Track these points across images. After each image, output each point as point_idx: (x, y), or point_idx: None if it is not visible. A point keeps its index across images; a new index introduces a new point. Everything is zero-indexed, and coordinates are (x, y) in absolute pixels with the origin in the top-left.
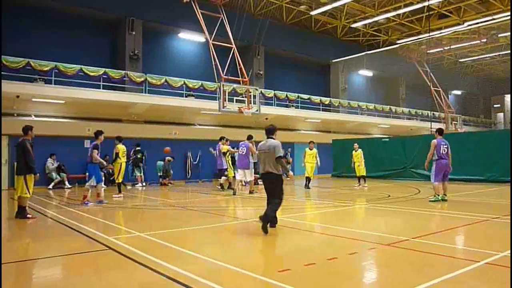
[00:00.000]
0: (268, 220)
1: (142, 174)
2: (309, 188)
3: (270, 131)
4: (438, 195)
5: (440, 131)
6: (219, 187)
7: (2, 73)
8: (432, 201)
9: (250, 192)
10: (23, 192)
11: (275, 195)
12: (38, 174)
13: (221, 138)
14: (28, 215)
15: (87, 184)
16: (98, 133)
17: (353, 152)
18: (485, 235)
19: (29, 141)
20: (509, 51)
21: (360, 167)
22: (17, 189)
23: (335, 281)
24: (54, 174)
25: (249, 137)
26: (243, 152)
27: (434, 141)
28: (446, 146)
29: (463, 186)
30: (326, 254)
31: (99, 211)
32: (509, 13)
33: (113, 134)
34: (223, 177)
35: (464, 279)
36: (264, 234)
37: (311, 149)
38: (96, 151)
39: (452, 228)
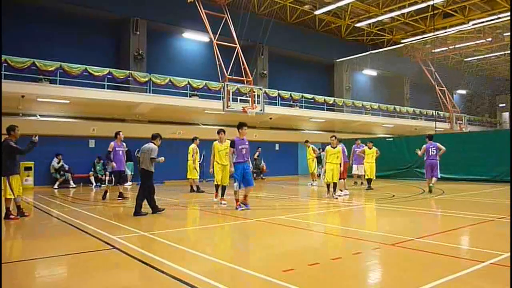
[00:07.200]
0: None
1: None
2: (336, 198)
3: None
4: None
5: (430, 137)
6: (120, 198)
7: (7, 73)
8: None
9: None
10: (8, 194)
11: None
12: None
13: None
14: (11, 216)
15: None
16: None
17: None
18: (490, 235)
19: (13, 142)
20: None
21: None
22: (4, 190)
23: (339, 281)
24: (57, 174)
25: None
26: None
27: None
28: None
29: (469, 186)
30: (330, 254)
31: (104, 211)
32: None
33: None
34: (126, 184)
35: (469, 279)
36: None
37: (334, 147)
38: None
39: (457, 228)
